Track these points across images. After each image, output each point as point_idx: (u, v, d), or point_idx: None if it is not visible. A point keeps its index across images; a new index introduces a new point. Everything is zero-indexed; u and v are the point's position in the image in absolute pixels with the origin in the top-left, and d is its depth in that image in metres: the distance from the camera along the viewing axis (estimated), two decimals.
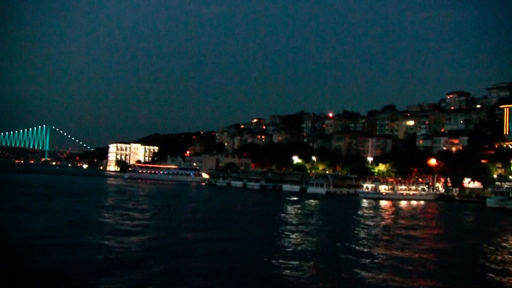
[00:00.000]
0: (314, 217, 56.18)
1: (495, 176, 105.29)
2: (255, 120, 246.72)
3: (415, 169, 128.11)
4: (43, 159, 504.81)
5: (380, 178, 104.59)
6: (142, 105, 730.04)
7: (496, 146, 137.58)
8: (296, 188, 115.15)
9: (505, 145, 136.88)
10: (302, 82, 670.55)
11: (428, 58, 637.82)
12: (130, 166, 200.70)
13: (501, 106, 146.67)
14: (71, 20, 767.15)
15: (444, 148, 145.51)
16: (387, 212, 67.50)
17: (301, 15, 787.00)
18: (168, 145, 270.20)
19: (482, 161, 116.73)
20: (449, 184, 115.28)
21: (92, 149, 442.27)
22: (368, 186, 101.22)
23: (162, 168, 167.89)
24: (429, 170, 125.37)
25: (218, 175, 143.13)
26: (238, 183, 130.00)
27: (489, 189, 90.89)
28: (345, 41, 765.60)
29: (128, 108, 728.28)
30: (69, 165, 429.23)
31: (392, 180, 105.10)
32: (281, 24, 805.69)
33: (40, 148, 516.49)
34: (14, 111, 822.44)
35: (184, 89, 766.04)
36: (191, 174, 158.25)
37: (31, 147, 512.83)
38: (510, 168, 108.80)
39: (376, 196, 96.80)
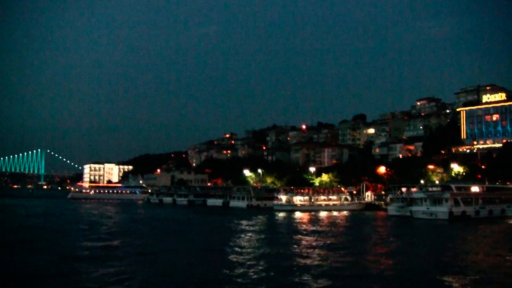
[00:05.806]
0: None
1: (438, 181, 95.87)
2: (227, 136, 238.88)
3: (366, 178, 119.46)
4: (40, 183, 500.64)
5: (295, 189, 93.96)
6: (136, 125, 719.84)
7: (453, 150, 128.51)
8: (219, 202, 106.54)
9: (461, 150, 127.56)
10: (281, 95, 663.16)
11: (408, 67, 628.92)
12: (74, 186, 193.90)
13: (457, 109, 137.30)
14: (64, 47, 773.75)
15: (400, 156, 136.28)
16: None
17: (282, 30, 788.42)
18: (152, 165, 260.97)
19: (430, 166, 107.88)
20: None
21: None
22: (282, 197, 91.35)
23: (108, 187, 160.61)
24: (380, 179, 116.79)
25: (152, 192, 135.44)
26: (169, 199, 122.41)
27: (390, 196, 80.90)
28: (323, 54, 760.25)
29: (122, 128, 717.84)
30: (59, 188, 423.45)
31: (308, 190, 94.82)
32: (262, 37, 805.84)
33: (36, 172, 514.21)
34: (11, 136, 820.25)
35: (180, 108, 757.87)
36: (137, 192, 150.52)
37: (27, 171, 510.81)
38: (451, 173, 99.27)
39: (290, 208, 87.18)
